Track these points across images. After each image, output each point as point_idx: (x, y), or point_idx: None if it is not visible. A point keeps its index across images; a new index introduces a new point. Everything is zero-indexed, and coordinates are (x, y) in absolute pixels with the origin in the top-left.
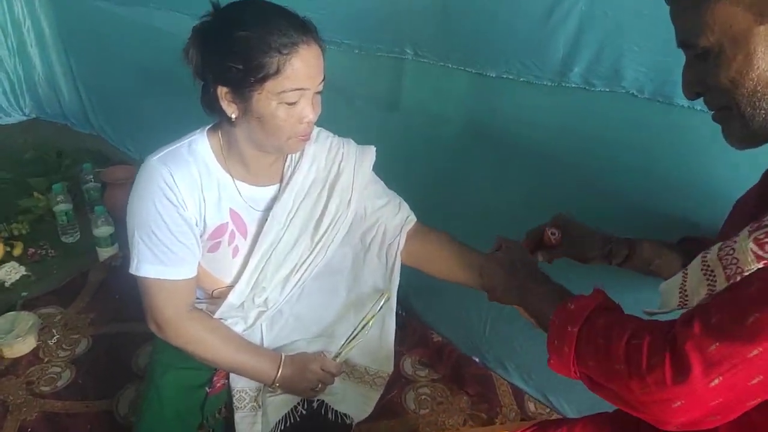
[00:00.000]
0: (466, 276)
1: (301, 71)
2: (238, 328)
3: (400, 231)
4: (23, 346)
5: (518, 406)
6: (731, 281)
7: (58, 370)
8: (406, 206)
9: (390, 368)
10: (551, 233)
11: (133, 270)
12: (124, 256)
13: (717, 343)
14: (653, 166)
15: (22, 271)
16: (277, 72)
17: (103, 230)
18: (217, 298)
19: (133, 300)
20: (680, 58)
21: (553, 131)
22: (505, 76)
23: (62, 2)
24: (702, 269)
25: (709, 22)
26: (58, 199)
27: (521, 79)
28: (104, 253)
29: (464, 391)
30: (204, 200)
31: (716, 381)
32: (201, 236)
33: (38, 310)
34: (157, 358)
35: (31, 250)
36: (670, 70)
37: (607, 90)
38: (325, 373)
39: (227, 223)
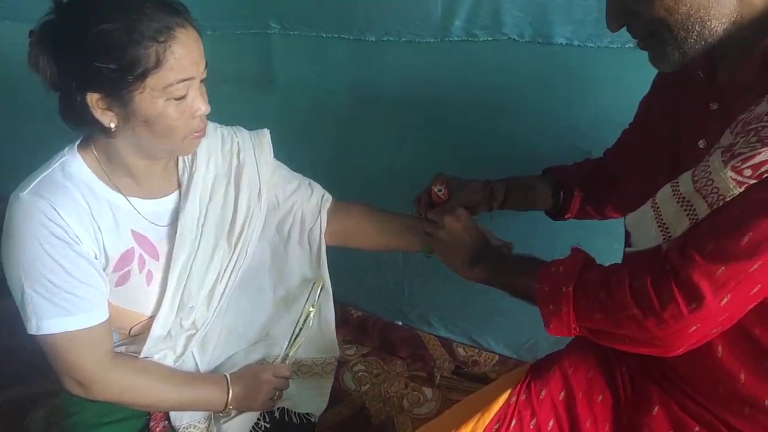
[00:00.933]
0: (403, 241)
1: (184, 58)
2: (168, 361)
3: (319, 212)
4: None
5: (450, 354)
6: (714, 207)
7: None
8: (317, 186)
9: (336, 352)
10: (438, 190)
11: (33, 330)
12: None
13: (723, 267)
14: (542, 106)
15: None
16: (158, 64)
17: None
18: (136, 335)
19: (4, 361)
20: None
21: (442, 86)
22: (385, 39)
23: None
24: (678, 202)
25: None
26: None
27: (403, 40)
28: None
29: (397, 356)
30: (99, 228)
31: (725, 299)
32: (104, 270)
33: None
34: (75, 421)
35: None
36: (546, 11)
37: (490, 39)
38: (278, 378)
39: (132, 248)
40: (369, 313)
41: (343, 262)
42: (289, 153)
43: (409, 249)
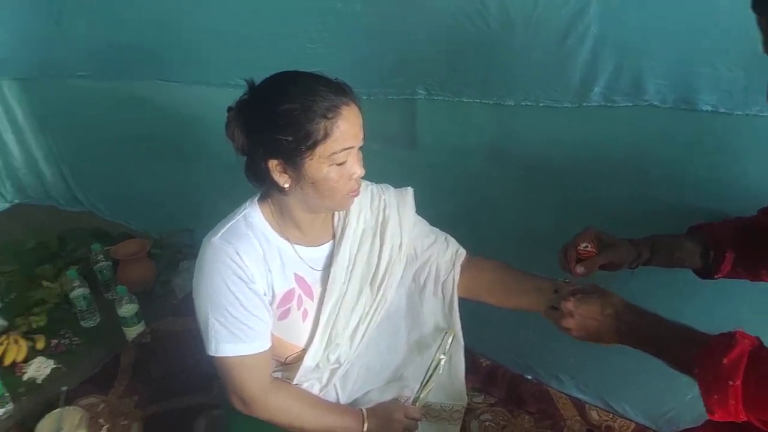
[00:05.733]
0: (530, 302)
1: (346, 131)
2: (315, 390)
3: (453, 265)
4: None
5: (581, 416)
6: None
7: None
8: (453, 240)
9: (464, 400)
10: (584, 247)
11: (212, 352)
12: (152, 332)
13: None
14: (681, 173)
15: (51, 364)
16: (326, 136)
17: (127, 309)
18: (290, 364)
19: (174, 375)
20: (698, 65)
21: (578, 150)
22: (523, 104)
23: (34, 86)
24: None
25: None
26: (74, 285)
27: (541, 105)
28: (131, 332)
29: (525, 411)
30: (270, 270)
31: None
32: (270, 305)
33: (79, 402)
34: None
35: (54, 341)
36: (690, 78)
37: (630, 104)
38: (408, 419)
39: (294, 288)
40: (498, 363)
41: (474, 310)
42: (429, 208)
43: (534, 310)
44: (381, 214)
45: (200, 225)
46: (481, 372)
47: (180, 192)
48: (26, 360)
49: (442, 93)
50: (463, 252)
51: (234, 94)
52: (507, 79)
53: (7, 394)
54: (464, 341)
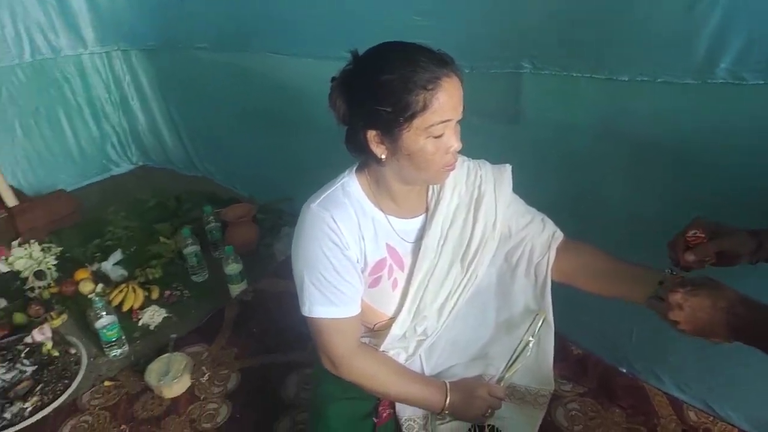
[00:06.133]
0: (628, 291)
1: (446, 104)
2: (401, 359)
3: (549, 247)
4: (180, 386)
5: (678, 416)
6: None
7: (215, 406)
8: (550, 222)
9: (551, 386)
10: (693, 233)
11: (305, 312)
12: (254, 290)
13: None
14: None
15: (163, 313)
16: (424, 108)
17: (233, 267)
18: (378, 331)
19: (271, 332)
20: None
21: (698, 132)
22: (639, 79)
23: (159, 54)
24: None
25: None
26: (188, 242)
27: (659, 81)
28: (236, 289)
29: (617, 404)
30: (363, 238)
31: None
32: (362, 272)
33: (185, 349)
34: (319, 391)
35: (167, 293)
36: None
37: (761, 83)
38: (492, 398)
39: (385, 257)
40: (590, 352)
41: (568, 295)
42: (528, 186)
43: (634, 300)
44: (476, 190)
45: (300, 193)
46: (572, 360)
47: (283, 162)
48: (142, 308)
49: (550, 67)
50: (560, 235)
51: (336, 66)
52: (623, 52)
53: (124, 337)
54: (555, 326)
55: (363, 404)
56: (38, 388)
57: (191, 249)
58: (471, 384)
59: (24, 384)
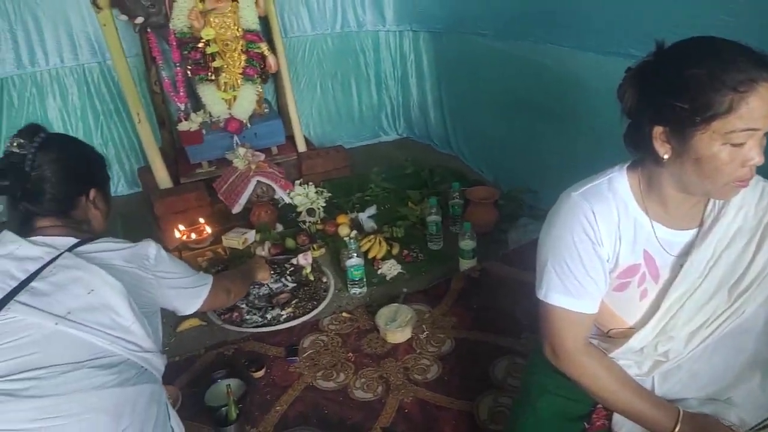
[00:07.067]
0: None
1: (756, 110)
2: (631, 372)
3: None
4: (402, 335)
5: None
6: None
7: (428, 363)
8: None
9: None
10: None
11: (541, 296)
12: (481, 269)
13: None
14: None
15: (398, 268)
16: (729, 111)
17: (467, 243)
18: (612, 337)
19: (490, 312)
20: None
21: None
22: None
23: (442, 37)
24: None
25: None
26: (431, 211)
27: None
28: (465, 264)
29: None
30: (620, 239)
31: None
32: (610, 273)
33: (412, 305)
34: (534, 379)
35: (405, 252)
36: None
37: None
38: None
39: (640, 264)
40: None
41: None
42: None
43: None
44: (767, 216)
45: (545, 187)
46: None
47: (535, 155)
48: (383, 259)
49: None
50: None
51: (620, 63)
52: None
53: (365, 279)
54: None
55: (576, 405)
56: (293, 302)
57: (433, 218)
58: (710, 422)
59: (284, 295)
